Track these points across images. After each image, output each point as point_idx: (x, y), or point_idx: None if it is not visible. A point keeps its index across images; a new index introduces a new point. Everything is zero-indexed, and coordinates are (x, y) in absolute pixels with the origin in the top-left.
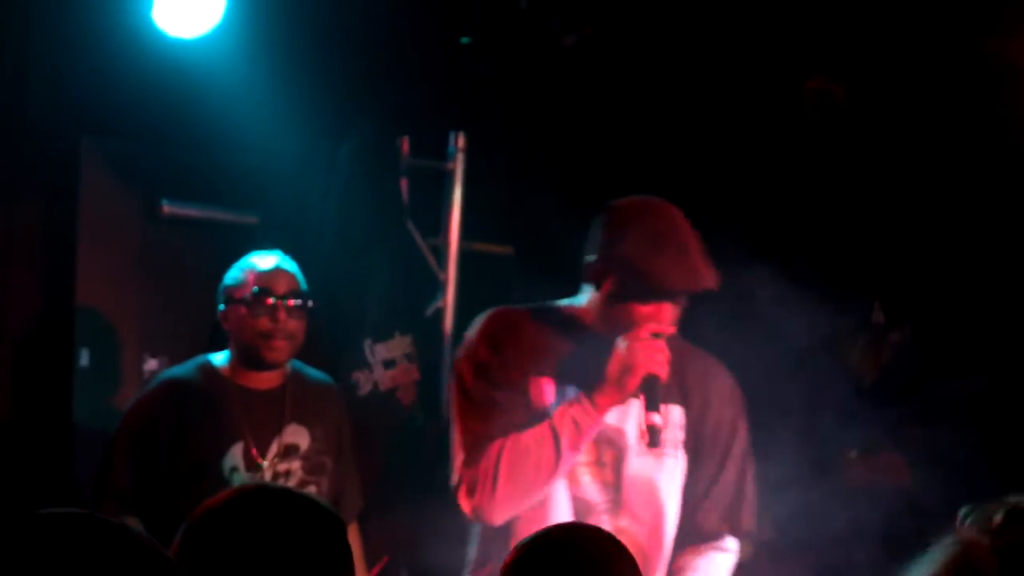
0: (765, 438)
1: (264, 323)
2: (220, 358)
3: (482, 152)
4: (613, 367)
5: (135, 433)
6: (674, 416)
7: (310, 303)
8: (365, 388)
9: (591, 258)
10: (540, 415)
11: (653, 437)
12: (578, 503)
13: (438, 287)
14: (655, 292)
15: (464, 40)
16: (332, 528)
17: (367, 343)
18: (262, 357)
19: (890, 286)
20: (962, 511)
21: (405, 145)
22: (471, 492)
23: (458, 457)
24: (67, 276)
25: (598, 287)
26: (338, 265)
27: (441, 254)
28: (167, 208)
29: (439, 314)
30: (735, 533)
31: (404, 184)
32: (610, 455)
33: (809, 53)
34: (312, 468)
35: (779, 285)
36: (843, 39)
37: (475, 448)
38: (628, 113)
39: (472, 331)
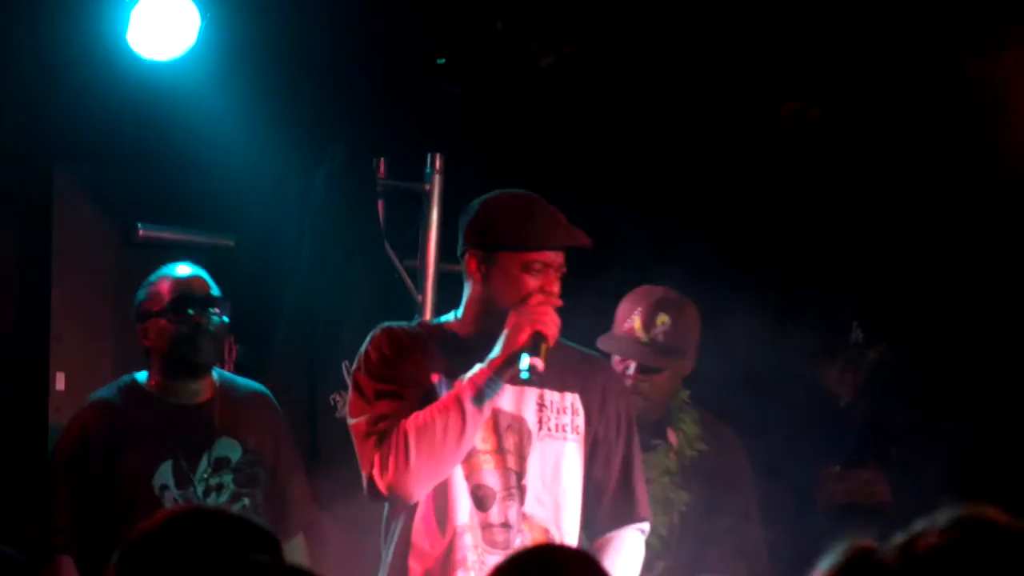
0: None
1: (186, 328)
2: (144, 375)
3: (459, 173)
4: (506, 328)
5: (68, 462)
6: (574, 403)
7: (228, 305)
8: (343, 410)
9: (467, 249)
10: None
11: (527, 372)
12: (481, 491)
13: (415, 309)
14: (537, 254)
15: (440, 61)
16: (266, 547)
17: (344, 365)
18: (188, 360)
19: (868, 305)
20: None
21: (381, 167)
22: (384, 469)
23: (366, 458)
24: (42, 300)
25: (483, 275)
26: (315, 287)
27: (418, 276)
28: (142, 232)
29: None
30: (639, 519)
31: (381, 206)
32: (512, 442)
33: (786, 74)
34: (244, 480)
35: (756, 303)
36: (820, 59)
37: (383, 437)
38: (605, 134)
39: (363, 347)
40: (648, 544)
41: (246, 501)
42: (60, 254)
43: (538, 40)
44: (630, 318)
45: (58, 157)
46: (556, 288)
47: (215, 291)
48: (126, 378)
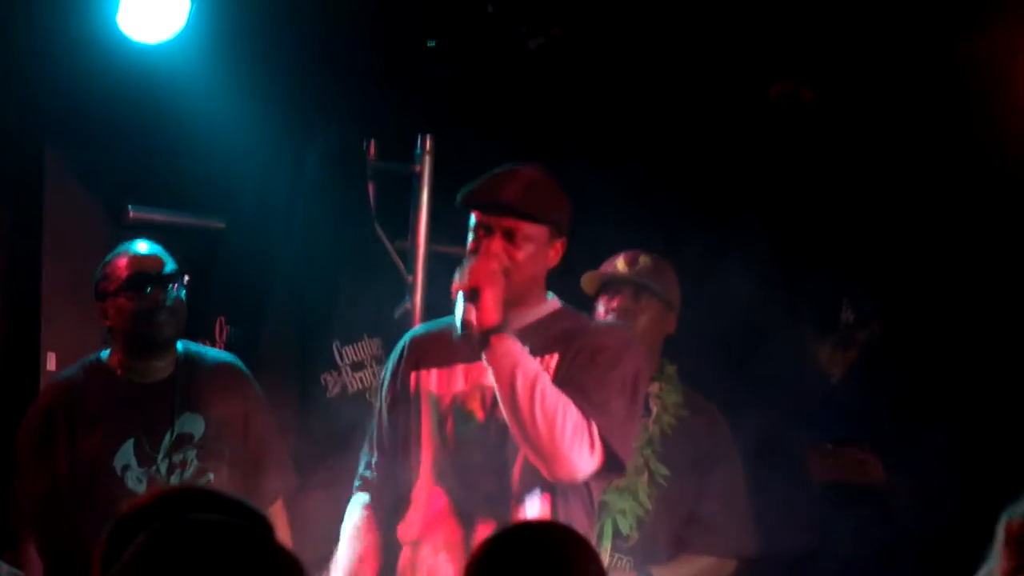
0: (735, 436)
1: (145, 304)
2: (107, 354)
3: (449, 155)
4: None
5: (32, 441)
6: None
7: (186, 278)
8: (334, 390)
9: None
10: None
11: (462, 327)
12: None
13: (406, 290)
14: (474, 213)
15: (430, 43)
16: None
17: (335, 345)
18: (149, 336)
19: (858, 284)
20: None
21: (372, 148)
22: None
23: None
24: (33, 281)
25: None
26: (305, 268)
27: (409, 257)
28: (132, 213)
29: (407, 317)
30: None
31: (371, 187)
32: (447, 423)
33: (777, 53)
34: (207, 455)
35: (748, 282)
36: (812, 39)
37: None
38: (595, 115)
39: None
40: (631, 514)
41: (211, 476)
42: (51, 236)
43: (527, 22)
44: (612, 262)
45: (49, 139)
46: (492, 247)
47: (170, 266)
48: (91, 357)
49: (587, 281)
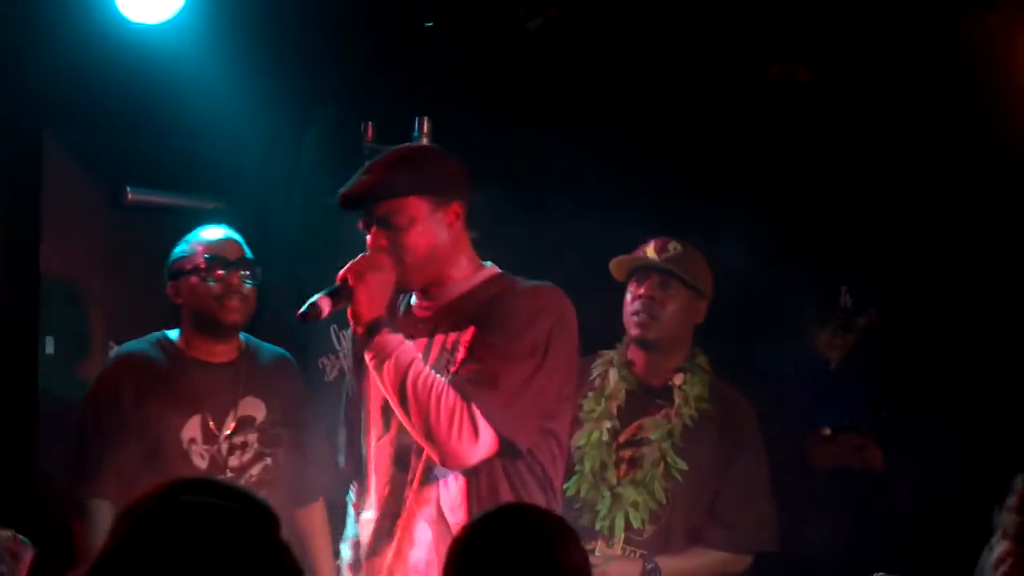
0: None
1: (217, 288)
2: (175, 333)
3: (447, 137)
4: None
5: (100, 409)
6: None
7: (259, 269)
8: (332, 374)
9: None
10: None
11: (307, 310)
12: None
13: None
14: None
15: (428, 25)
16: (266, 524)
17: (333, 329)
18: (218, 319)
19: (857, 270)
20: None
21: (369, 130)
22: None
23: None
24: (31, 264)
25: None
26: (303, 250)
27: None
28: (131, 195)
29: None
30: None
31: None
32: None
33: (775, 34)
34: (268, 440)
35: (746, 266)
36: (810, 21)
37: None
38: (593, 96)
39: None
40: (644, 507)
41: (268, 460)
42: (49, 218)
43: (525, 3)
44: (642, 248)
45: (47, 121)
46: (374, 240)
47: (248, 254)
48: (157, 334)
49: (616, 267)
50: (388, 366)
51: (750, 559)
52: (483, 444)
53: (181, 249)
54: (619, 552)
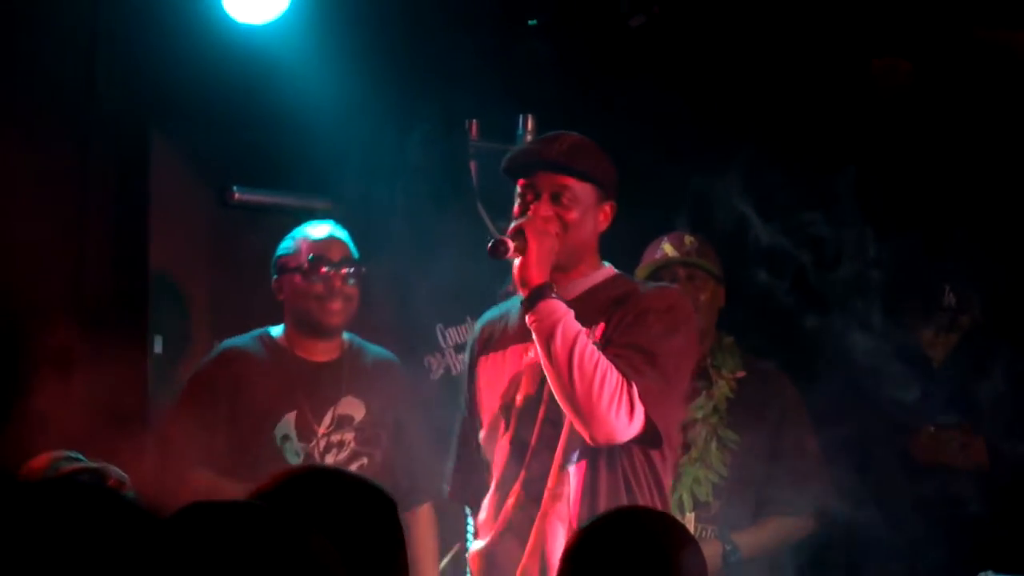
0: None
1: (319, 288)
2: (278, 329)
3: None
4: None
5: (196, 399)
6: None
7: (363, 269)
8: (437, 372)
9: None
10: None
11: (496, 244)
12: None
13: (508, 270)
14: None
15: (531, 22)
16: (383, 509)
17: (439, 327)
18: (319, 321)
19: (960, 268)
20: None
21: (474, 128)
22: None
23: None
24: (140, 264)
25: None
26: (408, 249)
27: None
28: (237, 194)
29: (510, 297)
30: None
31: (473, 167)
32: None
33: (877, 29)
34: (365, 440)
35: (853, 266)
36: (913, 14)
37: None
38: (695, 93)
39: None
40: (706, 481)
41: (364, 460)
42: (157, 218)
43: (628, 1)
44: (659, 248)
45: (154, 121)
46: (541, 210)
47: (354, 254)
48: (259, 331)
49: (642, 272)
50: (557, 332)
51: (812, 523)
52: (635, 424)
53: (287, 245)
54: (693, 531)
